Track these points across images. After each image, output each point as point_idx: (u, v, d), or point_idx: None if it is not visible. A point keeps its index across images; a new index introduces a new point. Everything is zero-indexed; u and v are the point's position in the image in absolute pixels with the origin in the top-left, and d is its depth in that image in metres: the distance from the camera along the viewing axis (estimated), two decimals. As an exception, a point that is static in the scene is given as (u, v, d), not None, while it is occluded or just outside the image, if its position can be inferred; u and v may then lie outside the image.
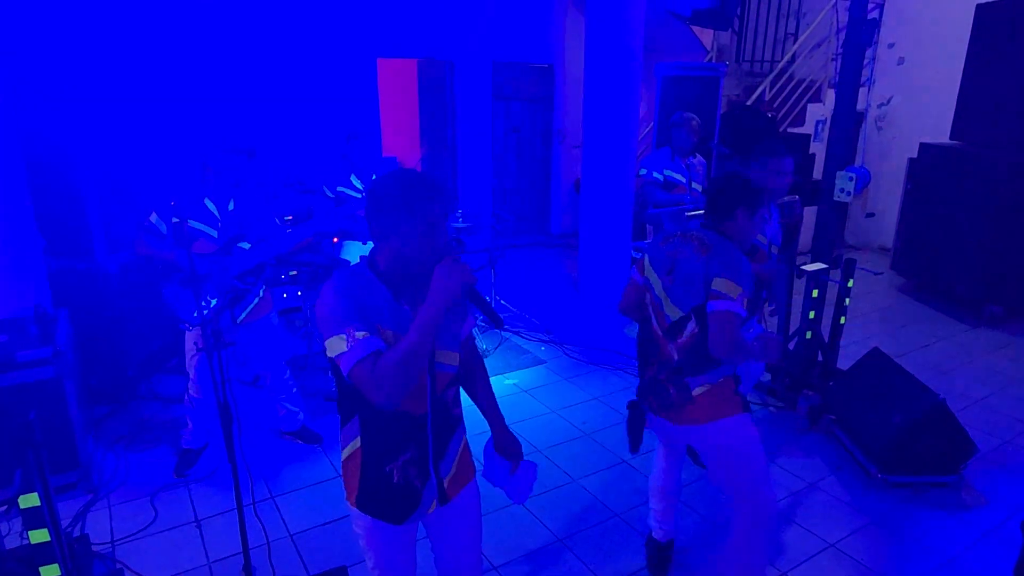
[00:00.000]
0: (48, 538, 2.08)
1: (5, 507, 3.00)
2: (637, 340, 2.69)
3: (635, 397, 2.63)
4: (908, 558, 2.99)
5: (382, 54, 6.82)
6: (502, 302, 6.00)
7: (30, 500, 2.02)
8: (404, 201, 1.63)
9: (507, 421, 2.09)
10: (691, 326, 2.38)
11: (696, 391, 2.41)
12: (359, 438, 1.80)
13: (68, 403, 3.20)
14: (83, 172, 3.92)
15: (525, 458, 2.12)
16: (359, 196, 4.66)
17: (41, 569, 2.10)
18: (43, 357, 3.09)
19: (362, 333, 1.60)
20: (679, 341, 2.43)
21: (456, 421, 1.91)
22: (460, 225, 5.56)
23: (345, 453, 1.84)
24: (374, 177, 1.55)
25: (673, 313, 2.43)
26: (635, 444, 2.60)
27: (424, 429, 1.80)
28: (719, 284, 2.29)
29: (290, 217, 5.63)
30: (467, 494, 1.97)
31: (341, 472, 1.91)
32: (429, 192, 1.65)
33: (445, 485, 1.88)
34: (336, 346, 1.61)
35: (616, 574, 2.88)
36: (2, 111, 3.37)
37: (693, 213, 4.41)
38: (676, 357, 2.44)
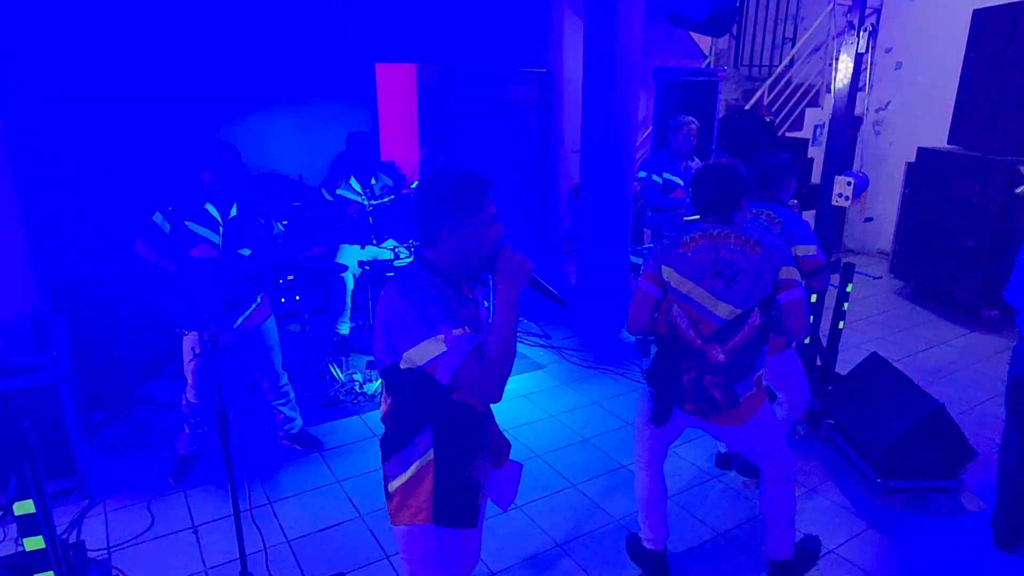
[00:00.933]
0: (43, 545, 2.07)
1: (0, 514, 2.99)
2: (657, 353, 2.62)
3: (657, 399, 2.59)
4: (907, 563, 2.98)
5: (381, 59, 6.83)
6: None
7: (25, 507, 2.01)
8: (468, 197, 1.66)
9: (505, 426, 2.10)
10: (752, 319, 2.41)
11: (744, 396, 2.48)
12: (432, 450, 1.76)
13: (64, 409, 3.18)
14: (80, 176, 3.90)
15: (517, 460, 2.11)
16: (358, 199, 4.66)
17: (36, 576, 2.09)
18: (39, 363, 3.07)
19: (459, 330, 1.60)
20: (732, 341, 2.42)
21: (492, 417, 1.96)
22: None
23: (410, 472, 1.78)
24: (419, 181, 1.57)
25: (728, 313, 2.42)
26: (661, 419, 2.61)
27: (486, 424, 1.85)
28: (787, 272, 2.42)
29: (285, 222, 5.64)
30: None
31: (395, 496, 1.83)
32: (485, 186, 1.69)
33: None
34: (430, 350, 1.59)
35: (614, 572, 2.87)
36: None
37: (692, 217, 4.41)
38: (724, 360, 2.44)
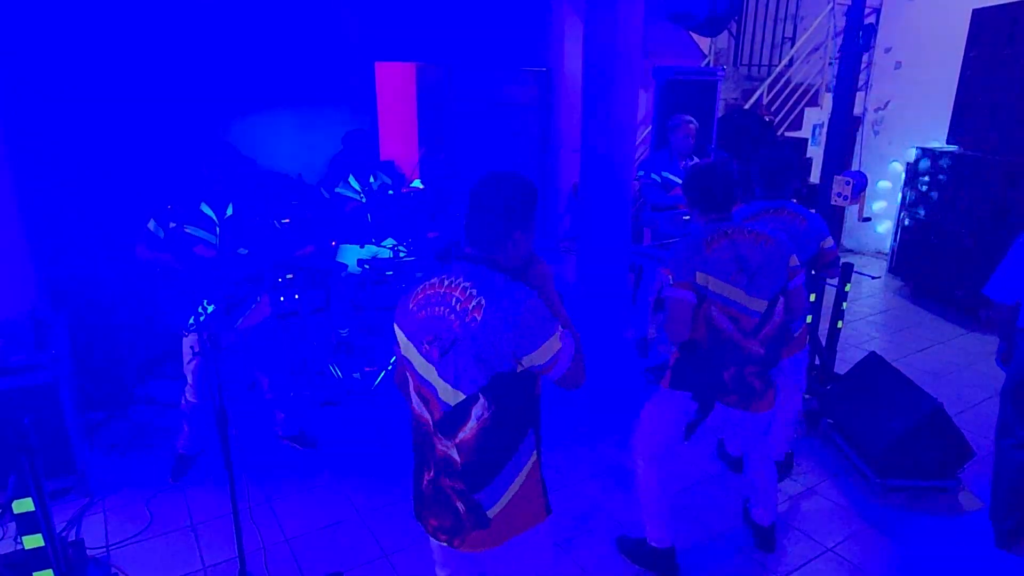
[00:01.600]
0: (42, 543, 2.07)
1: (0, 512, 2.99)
2: (689, 356, 2.61)
3: (699, 397, 2.64)
4: (905, 562, 2.98)
5: (380, 58, 6.83)
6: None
7: (24, 505, 2.01)
8: (535, 200, 1.76)
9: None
10: (778, 308, 2.55)
11: (776, 381, 2.73)
12: (535, 450, 1.81)
13: (64, 408, 3.19)
14: (81, 175, 3.90)
15: None
16: (357, 197, 4.66)
17: (35, 574, 2.09)
18: (39, 362, 3.08)
19: (559, 328, 1.69)
20: (764, 332, 2.54)
21: None
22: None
23: (517, 484, 1.75)
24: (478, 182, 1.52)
25: (760, 307, 2.51)
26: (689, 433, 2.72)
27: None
28: (793, 261, 2.59)
29: (287, 220, 5.64)
30: None
31: (499, 520, 1.76)
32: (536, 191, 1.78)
33: None
34: (552, 347, 1.66)
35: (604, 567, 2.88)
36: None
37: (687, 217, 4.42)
38: (762, 351, 2.56)
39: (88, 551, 2.87)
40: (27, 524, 2.04)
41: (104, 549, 2.98)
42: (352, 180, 4.71)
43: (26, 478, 2.01)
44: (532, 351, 1.64)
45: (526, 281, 1.74)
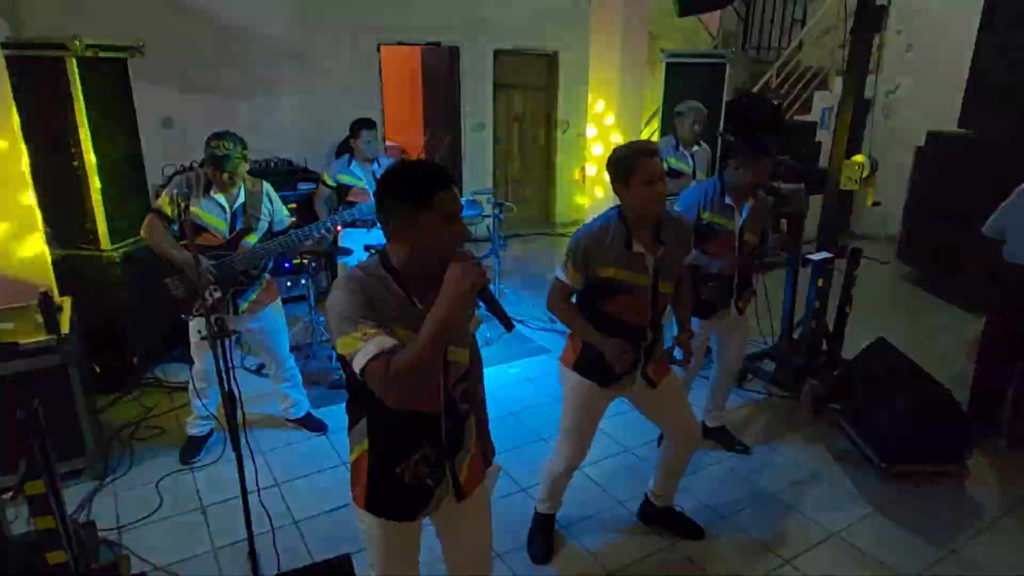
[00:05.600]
0: (54, 524, 2.09)
1: (11, 494, 3.02)
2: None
3: None
4: (911, 547, 2.99)
5: (385, 40, 6.79)
6: (505, 291, 5.99)
7: (36, 487, 2.03)
8: (416, 192, 1.56)
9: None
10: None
11: None
12: (367, 440, 1.76)
13: (73, 390, 3.21)
14: (86, 159, 3.89)
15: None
16: (360, 184, 4.65)
17: (47, 555, 2.11)
18: (48, 344, 3.10)
19: (375, 331, 1.53)
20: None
21: (465, 417, 1.87)
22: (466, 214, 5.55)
23: (353, 455, 1.81)
24: (382, 170, 1.48)
25: None
26: None
27: (438, 427, 1.76)
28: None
29: (294, 205, 5.64)
30: (481, 487, 1.96)
31: (350, 471, 1.88)
32: (445, 184, 1.57)
33: (462, 482, 1.86)
34: (348, 344, 1.54)
35: (620, 561, 2.89)
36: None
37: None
38: None
39: (99, 532, 2.90)
40: (39, 505, 2.05)
41: (115, 530, 3.01)
42: (355, 167, 4.69)
43: (37, 460, 2.02)
44: (337, 337, 1.58)
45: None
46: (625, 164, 2.36)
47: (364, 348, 1.52)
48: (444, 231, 1.57)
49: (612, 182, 2.43)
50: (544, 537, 2.94)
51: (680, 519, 3.08)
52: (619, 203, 2.46)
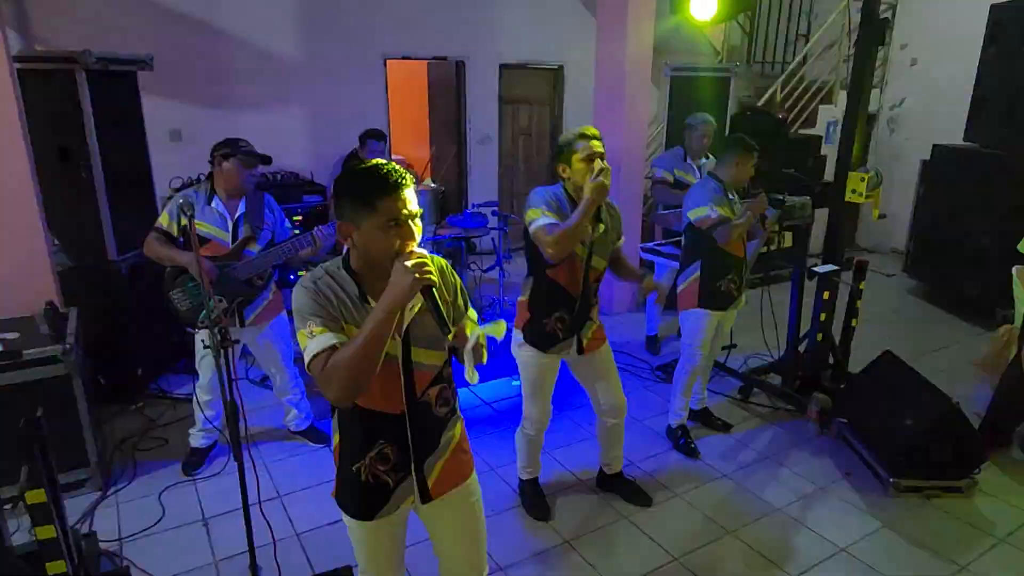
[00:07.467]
0: (55, 534, 2.08)
1: (11, 504, 3.01)
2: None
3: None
4: (921, 563, 2.94)
5: (391, 54, 6.84)
6: (509, 303, 5.98)
7: (37, 496, 2.02)
8: (364, 195, 1.57)
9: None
10: None
11: None
12: (338, 434, 1.85)
13: (77, 401, 3.21)
14: (94, 171, 3.92)
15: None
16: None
17: (48, 565, 2.10)
18: (52, 354, 3.10)
19: (320, 329, 1.58)
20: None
21: (443, 420, 1.88)
22: (469, 230, 5.56)
23: (333, 444, 1.90)
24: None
25: None
26: None
27: (403, 429, 1.78)
28: None
29: (300, 218, 5.66)
30: (463, 492, 1.95)
31: None
32: (392, 186, 1.57)
33: (430, 484, 1.86)
34: (301, 341, 1.62)
35: (620, 572, 2.86)
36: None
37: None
38: None
39: (101, 543, 2.89)
40: (40, 515, 2.05)
41: (117, 542, 3.00)
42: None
43: (39, 470, 2.02)
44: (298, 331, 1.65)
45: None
46: (566, 145, 2.70)
47: (309, 345, 1.59)
48: (384, 235, 1.58)
49: (556, 164, 2.76)
50: (537, 499, 3.28)
51: (631, 485, 3.40)
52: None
